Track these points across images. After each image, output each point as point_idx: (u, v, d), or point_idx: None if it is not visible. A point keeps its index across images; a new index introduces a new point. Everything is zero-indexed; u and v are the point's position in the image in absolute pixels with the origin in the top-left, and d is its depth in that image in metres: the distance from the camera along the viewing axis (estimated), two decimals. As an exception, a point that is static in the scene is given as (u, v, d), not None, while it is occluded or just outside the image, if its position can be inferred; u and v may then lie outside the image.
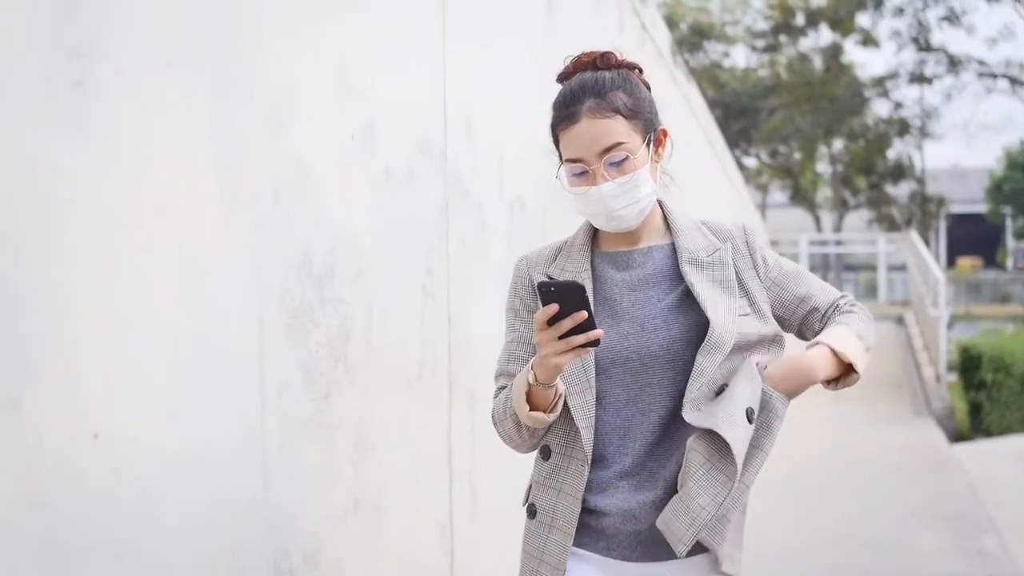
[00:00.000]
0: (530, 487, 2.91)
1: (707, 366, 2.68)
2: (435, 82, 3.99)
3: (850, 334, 2.84)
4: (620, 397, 2.77)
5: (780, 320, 2.92)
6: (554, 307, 2.47)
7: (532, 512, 2.86)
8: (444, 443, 4.06)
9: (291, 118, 2.97)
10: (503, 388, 2.90)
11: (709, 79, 42.06)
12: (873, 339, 2.91)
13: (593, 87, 2.76)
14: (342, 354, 3.25)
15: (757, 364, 2.75)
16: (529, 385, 2.66)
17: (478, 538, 4.37)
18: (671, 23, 41.06)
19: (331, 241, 3.18)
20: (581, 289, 2.47)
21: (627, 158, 2.74)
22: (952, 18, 39.64)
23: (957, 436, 17.27)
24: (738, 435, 2.63)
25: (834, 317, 2.93)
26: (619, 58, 2.86)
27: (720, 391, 2.72)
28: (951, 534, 9.52)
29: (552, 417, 2.71)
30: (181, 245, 2.50)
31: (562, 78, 2.88)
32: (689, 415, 2.66)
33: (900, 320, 25.77)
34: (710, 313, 2.71)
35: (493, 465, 4.41)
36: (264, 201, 2.84)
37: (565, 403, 2.74)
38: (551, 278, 2.54)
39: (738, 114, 42.69)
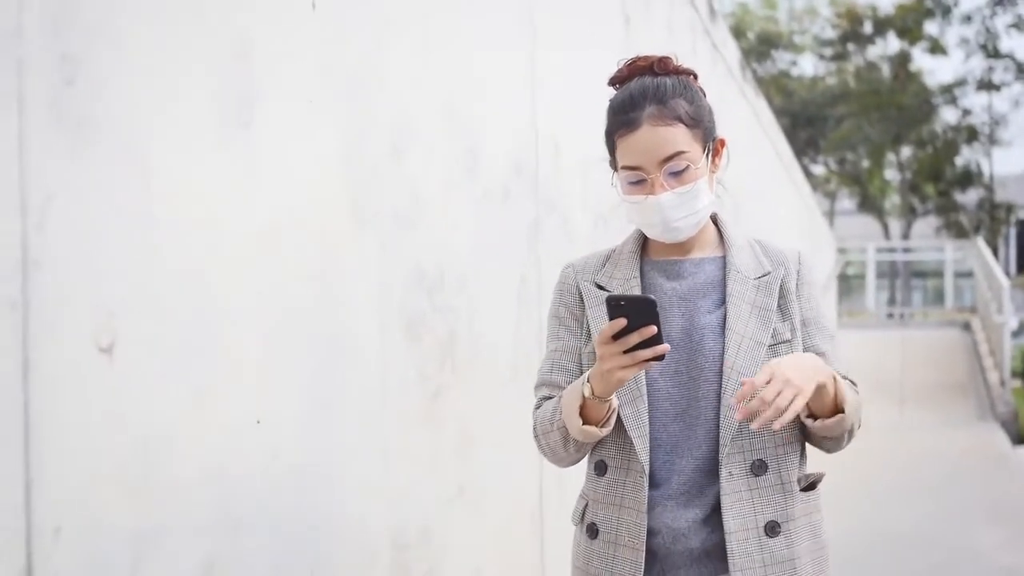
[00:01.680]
0: (585, 505, 2.85)
1: (730, 419, 2.64)
2: (527, 108, 4.38)
3: (848, 387, 2.67)
4: (668, 412, 2.68)
5: None
6: (621, 322, 2.41)
7: (593, 531, 2.79)
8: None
9: (408, 146, 3.36)
10: (546, 399, 2.83)
11: (777, 88, 42.23)
12: (856, 426, 2.73)
13: (655, 93, 2.65)
14: (449, 356, 3.63)
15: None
16: (583, 398, 2.57)
17: (565, 525, 4.74)
18: (739, 33, 41.24)
19: (440, 255, 3.57)
20: (652, 304, 2.41)
21: (688, 168, 2.63)
22: (1020, 25, 39.60)
23: (1021, 439, 17.46)
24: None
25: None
26: (676, 63, 2.76)
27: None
28: (1012, 530, 9.82)
29: (605, 432, 2.63)
30: (320, 260, 2.90)
31: (616, 82, 2.79)
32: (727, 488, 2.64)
33: (967, 326, 25.88)
34: (729, 353, 2.64)
35: (578, 459, 4.79)
36: (385, 220, 3.24)
37: (617, 416, 2.67)
38: (612, 295, 2.44)
39: (806, 122, 42.77)
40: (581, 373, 2.79)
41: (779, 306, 2.73)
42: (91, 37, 2.11)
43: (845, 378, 2.72)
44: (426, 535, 3.47)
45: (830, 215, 43.96)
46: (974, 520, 10.30)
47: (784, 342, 2.70)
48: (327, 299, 2.94)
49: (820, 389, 2.55)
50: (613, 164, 2.77)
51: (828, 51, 45.74)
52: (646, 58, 2.75)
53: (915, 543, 9.44)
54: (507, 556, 4.15)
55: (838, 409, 2.62)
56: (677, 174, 2.63)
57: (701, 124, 2.68)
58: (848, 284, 31.16)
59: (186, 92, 2.39)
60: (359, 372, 3.10)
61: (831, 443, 2.73)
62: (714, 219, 2.84)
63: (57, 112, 2.02)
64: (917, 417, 17.24)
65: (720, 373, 2.64)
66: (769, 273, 2.76)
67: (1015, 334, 23.74)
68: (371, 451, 3.17)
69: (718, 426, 2.65)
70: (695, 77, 2.79)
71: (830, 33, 45.66)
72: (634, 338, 2.42)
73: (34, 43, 1.97)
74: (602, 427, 2.62)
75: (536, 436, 2.84)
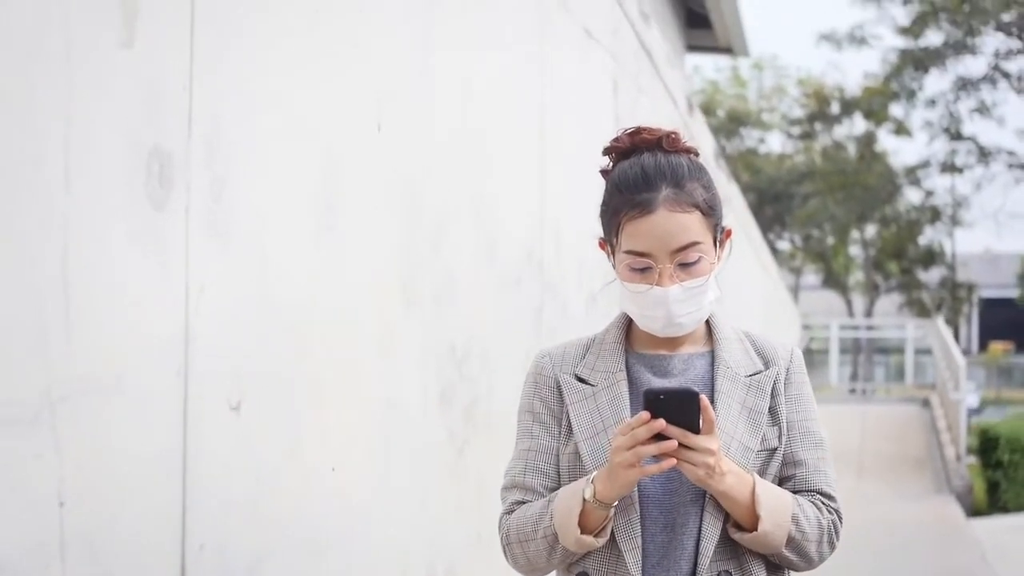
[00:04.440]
0: None
1: (713, 528, 2.42)
2: (536, 205, 4.99)
3: (788, 506, 2.42)
4: (657, 520, 2.43)
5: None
6: (661, 422, 2.22)
7: None
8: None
9: (446, 239, 3.94)
10: (519, 503, 2.60)
11: (745, 164, 42.94)
12: (813, 546, 2.45)
13: (672, 175, 2.40)
14: (472, 419, 4.21)
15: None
16: (584, 502, 2.35)
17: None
18: (709, 110, 41.95)
19: (467, 332, 4.16)
20: (696, 399, 2.23)
21: (700, 260, 2.40)
22: (983, 110, 40.02)
23: (975, 512, 18.00)
24: None
25: (798, 497, 2.47)
26: (684, 141, 2.50)
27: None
28: (965, 596, 10.40)
29: (601, 542, 2.39)
30: (379, 337, 3.48)
31: (617, 154, 2.55)
32: None
33: (926, 403, 26.44)
34: None
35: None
36: (427, 303, 3.81)
37: None
38: (651, 388, 2.27)
39: (772, 199, 43.44)
40: (559, 476, 2.57)
41: (770, 408, 2.51)
42: (230, 159, 2.70)
43: (819, 492, 2.51)
44: (453, 573, 4.02)
45: (795, 290, 44.61)
46: (928, 585, 10.87)
47: (772, 450, 2.49)
48: (384, 370, 3.51)
49: (723, 496, 2.37)
50: (610, 244, 2.54)
51: (796, 130, 46.52)
52: (651, 131, 2.52)
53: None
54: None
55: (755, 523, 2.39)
56: (687, 266, 2.40)
57: (715, 212, 2.47)
58: (812, 359, 31.73)
59: (290, 201, 2.99)
60: (406, 431, 3.67)
61: (781, 560, 2.48)
62: None
63: (209, 222, 2.61)
64: (875, 488, 17.78)
65: None
66: (761, 372, 2.53)
67: (976, 411, 24.33)
68: (414, 498, 3.73)
69: (699, 536, 2.43)
70: (696, 155, 2.54)
71: (798, 112, 46.48)
72: (675, 432, 2.24)
73: (198, 168, 2.56)
74: (598, 537, 2.39)
75: (508, 544, 2.60)
